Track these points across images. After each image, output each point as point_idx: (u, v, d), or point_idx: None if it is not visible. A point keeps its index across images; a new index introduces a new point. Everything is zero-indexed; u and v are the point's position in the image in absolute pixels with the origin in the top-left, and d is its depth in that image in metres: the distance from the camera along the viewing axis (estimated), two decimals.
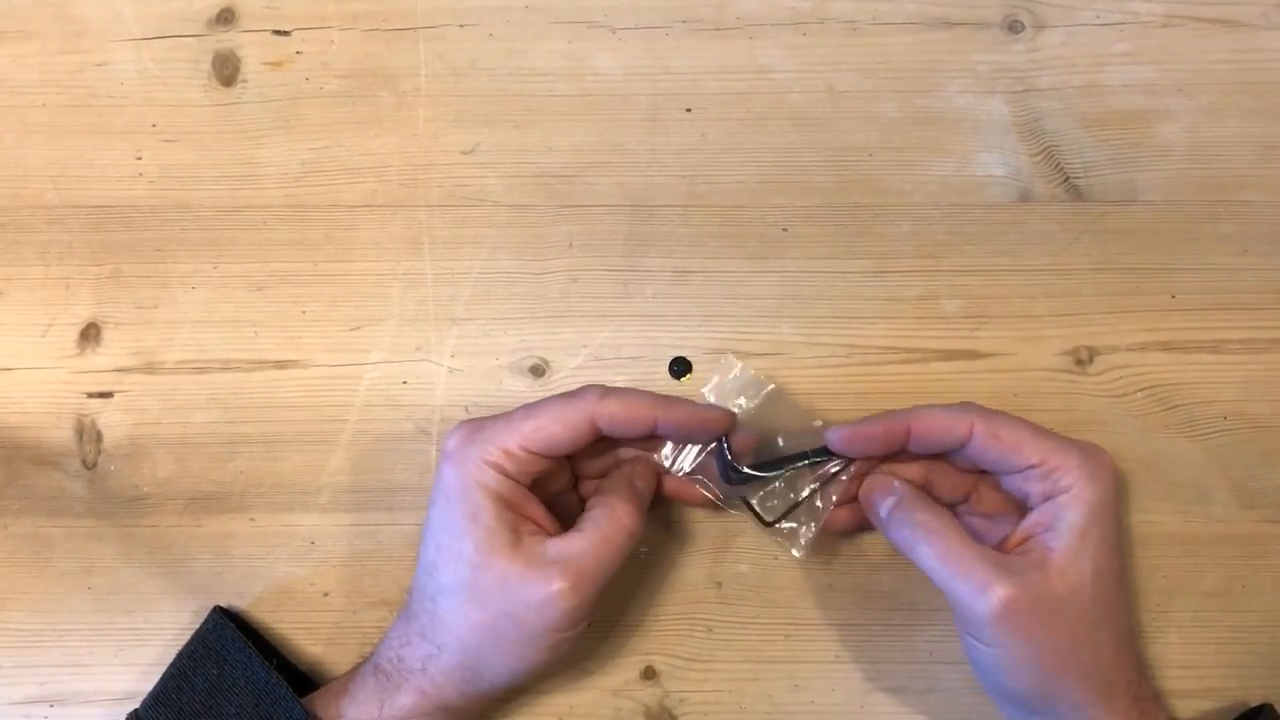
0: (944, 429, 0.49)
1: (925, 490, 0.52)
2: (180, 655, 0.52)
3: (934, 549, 0.47)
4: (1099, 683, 0.48)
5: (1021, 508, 0.50)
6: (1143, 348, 0.55)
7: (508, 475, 0.48)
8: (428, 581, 0.49)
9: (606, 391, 0.50)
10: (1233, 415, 0.55)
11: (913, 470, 0.52)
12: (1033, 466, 0.49)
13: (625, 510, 0.49)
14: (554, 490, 0.52)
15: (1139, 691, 0.49)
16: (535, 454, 0.49)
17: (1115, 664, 0.48)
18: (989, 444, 0.49)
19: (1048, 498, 0.49)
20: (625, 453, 0.53)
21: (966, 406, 0.50)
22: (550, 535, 0.49)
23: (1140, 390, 0.55)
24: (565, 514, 0.51)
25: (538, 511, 0.50)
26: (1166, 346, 0.55)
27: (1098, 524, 0.48)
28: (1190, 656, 0.54)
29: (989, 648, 0.47)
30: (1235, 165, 0.56)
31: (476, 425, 0.50)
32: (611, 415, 0.49)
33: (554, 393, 0.55)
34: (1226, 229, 0.56)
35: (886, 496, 0.50)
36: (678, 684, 0.54)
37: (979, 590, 0.46)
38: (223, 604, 0.54)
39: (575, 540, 0.48)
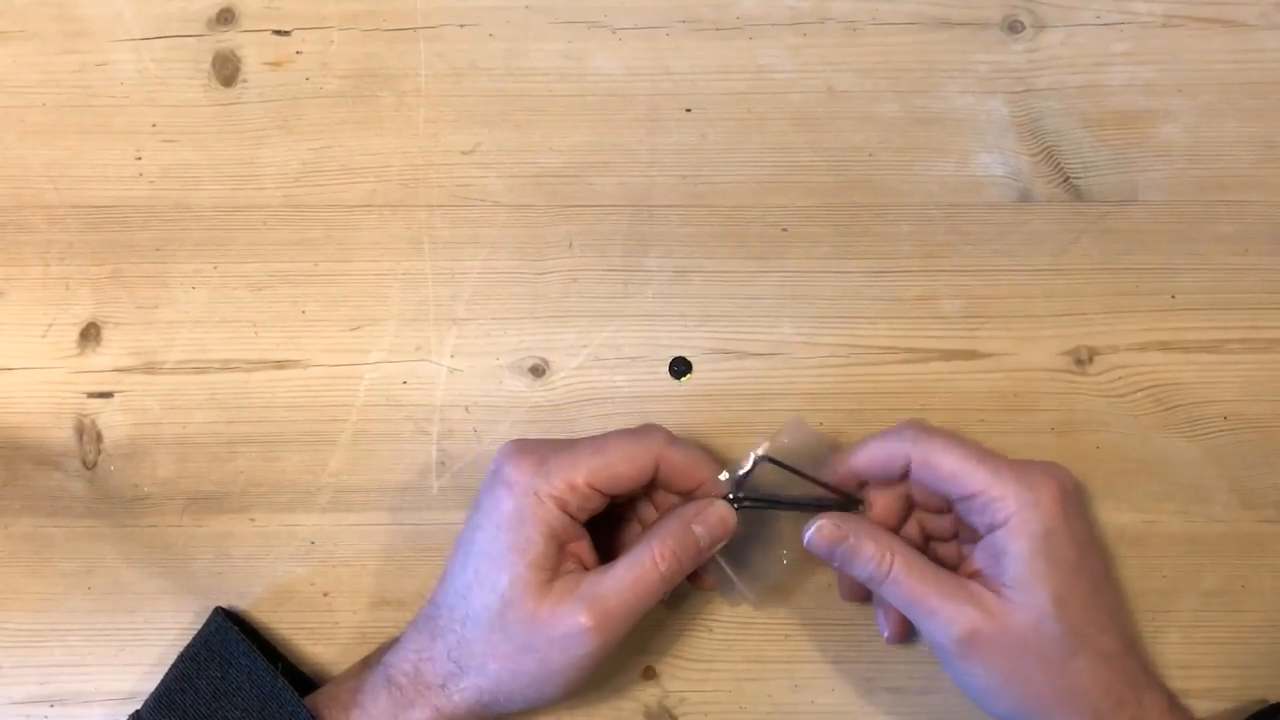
0: (883, 461, 0.50)
1: (923, 542, 0.52)
2: (182, 657, 0.52)
3: (897, 588, 0.48)
4: (1085, 708, 0.47)
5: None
6: (1142, 348, 0.55)
7: (567, 511, 0.48)
8: (459, 604, 0.49)
9: (672, 438, 0.50)
10: (1233, 415, 0.55)
11: (908, 522, 0.52)
12: (973, 496, 0.48)
13: (665, 554, 0.48)
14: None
15: (1137, 711, 0.48)
16: (598, 491, 0.48)
17: (1100, 688, 0.48)
18: (925, 473, 0.49)
19: (989, 530, 0.48)
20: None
21: (903, 432, 0.49)
22: (587, 570, 0.49)
23: (1140, 390, 0.55)
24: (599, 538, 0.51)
25: (584, 548, 0.49)
26: (1166, 346, 0.55)
27: (1046, 555, 0.47)
28: (1190, 656, 0.54)
29: (959, 674, 0.48)
30: (1235, 165, 0.56)
31: (540, 456, 0.49)
32: (672, 463, 0.49)
33: (553, 394, 0.55)
34: (1226, 229, 0.56)
35: (838, 543, 0.48)
36: (678, 684, 0.54)
37: (944, 625, 0.47)
38: (223, 604, 0.54)
39: (606, 578, 0.48)
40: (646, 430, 0.50)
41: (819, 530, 0.48)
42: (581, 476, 0.48)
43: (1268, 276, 0.56)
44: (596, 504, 0.49)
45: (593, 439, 0.50)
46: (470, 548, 0.49)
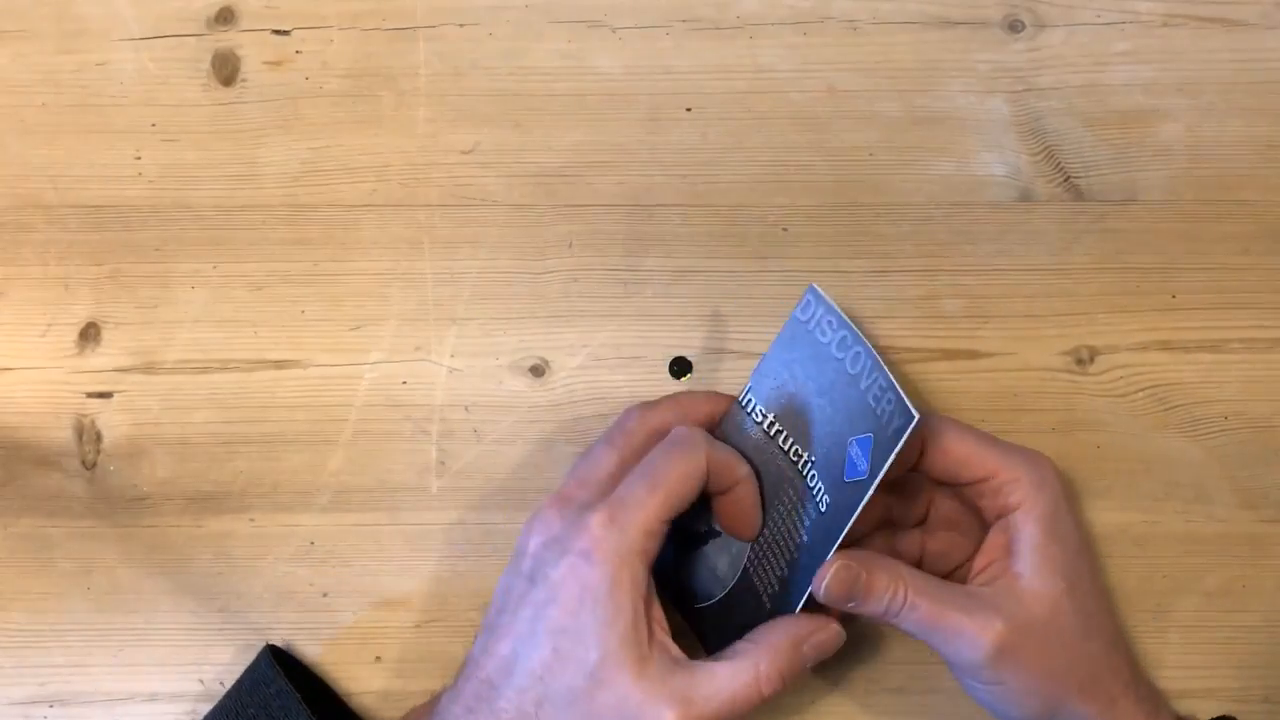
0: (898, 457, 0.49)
1: (886, 523, 0.51)
2: (233, 713, 0.50)
3: (914, 616, 0.46)
4: (1100, 694, 0.47)
5: (979, 518, 0.50)
6: (1143, 347, 0.55)
7: (649, 564, 0.45)
8: (533, 686, 0.44)
9: (711, 439, 0.48)
10: (1233, 415, 0.55)
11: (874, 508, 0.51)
12: (981, 481, 0.48)
13: (772, 675, 0.45)
14: None
15: (1139, 692, 0.49)
16: (667, 522, 0.46)
17: (1110, 670, 0.48)
18: (936, 458, 0.49)
19: (999, 515, 0.48)
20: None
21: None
22: (676, 654, 0.45)
23: (1141, 390, 0.55)
24: None
25: (656, 607, 0.46)
26: (1167, 346, 0.55)
27: (1056, 537, 0.47)
28: (1191, 657, 0.54)
29: (988, 685, 0.47)
30: (1236, 165, 0.56)
31: (609, 513, 0.45)
32: (717, 468, 0.47)
33: (553, 394, 0.55)
34: (1227, 228, 0.56)
35: (850, 587, 0.46)
36: None
37: (970, 644, 0.46)
38: (222, 605, 0.54)
39: (706, 681, 0.44)
40: (686, 440, 0.47)
41: (834, 579, 0.45)
42: (655, 516, 0.45)
43: (1269, 276, 0.56)
44: (664, 537, 0.46)
45: (637, 473, 0.46)
46: (545, 622, 0.45)
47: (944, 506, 0.51)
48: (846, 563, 0.46)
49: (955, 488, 0.50)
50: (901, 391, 0.45)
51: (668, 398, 0.51)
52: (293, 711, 0.49)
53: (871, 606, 0.46)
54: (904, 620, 0.46)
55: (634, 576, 0.44)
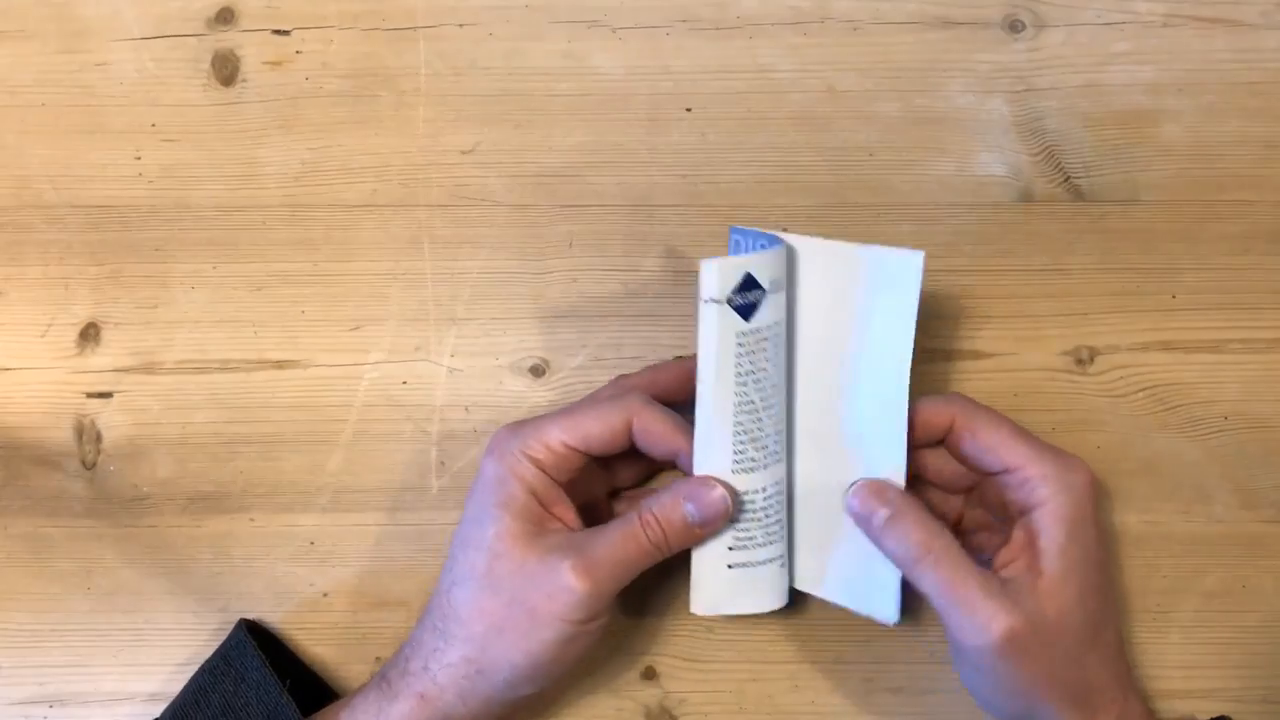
0: (923, 422, 0.49)
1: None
2: (201, 669, 0.52)
3: (936, 575, 0.46)
4: (1085, 705, 0.47)
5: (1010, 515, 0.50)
6: (1144, 347, 0.55)
7: (543, 469, 0.48)
8: (445, 576, 0.49)
9: (649, 402, 0.49)
10: (1234, 415, 0.55)
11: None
12: (1007, 472, 0.48)
13: (650, 520, 0.48)
14: (590, 497, 0.52)
15: (1123, 709, 0.48)
16: (572, 449, 0.48)
17: (1100, 683, 0.48)
18: (964, 440, 0.49)
19: (1023, 511, 0.48)
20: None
21: (952, 399, 0.50)
22: (576, 530, 0.49)
23: (1141, 390, 0.55)
24: (597, 523, 0.50)
25: (567, 512, 0.49)
26: (1167, 346, 0.55)
27: (1077, 541, 0.47)
28: (1191, 657, 0.54)
29: (982, 674, 0.47)
30: (1236, 165, 0.56)
31: (518, 423, 0.50)
32: (646, 426, 0.49)
33: (553, 394, 0.56)
34: (1227, 229, 0.56)
35: (880, 507, 0.48)
36: (678, 684, 0.54)
37: (982, 625, 0.45)
38: (222, 605, 0.54)
39: (594, 536, 0.48)
40: (623, 395, 0.50)
41: (864, 491, 0.47)
42: (554, 435, 0.48)
43: (1269, 276, 0.56)
44: (573, 463, 0.49)
45: (570, 404, 0.51)
46: (460, 524, 0.49)
47: (976, 510, 0.52)
48: (878, 488, 0.48)
49: (982, 476, 0.50)
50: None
51: (646, 367, 0.53)
52: (250, 659, 0.51)
53: (894, 541, 0.47)
54: (923, 573, 0.46)
55: (526, 473, 0.48)
